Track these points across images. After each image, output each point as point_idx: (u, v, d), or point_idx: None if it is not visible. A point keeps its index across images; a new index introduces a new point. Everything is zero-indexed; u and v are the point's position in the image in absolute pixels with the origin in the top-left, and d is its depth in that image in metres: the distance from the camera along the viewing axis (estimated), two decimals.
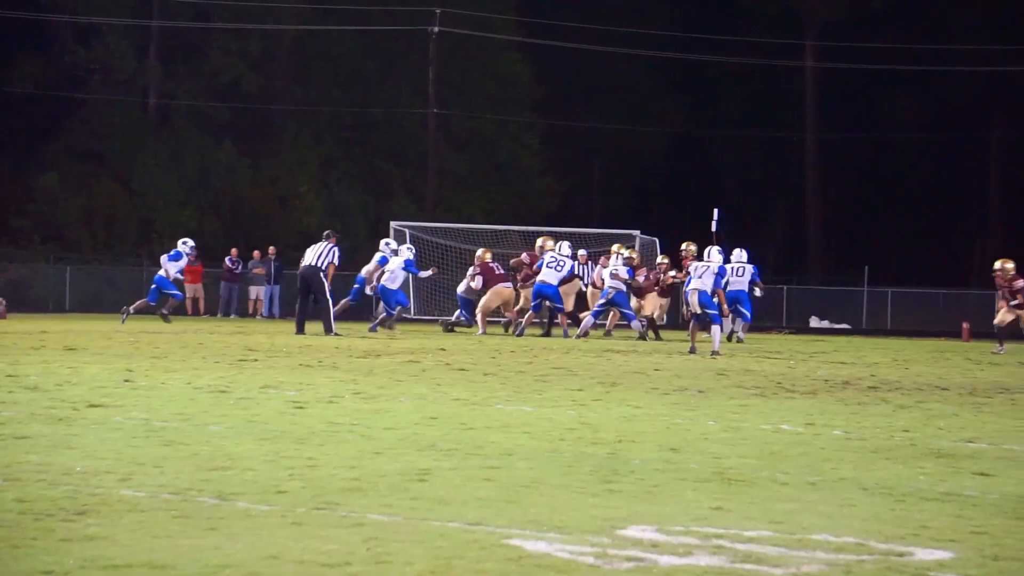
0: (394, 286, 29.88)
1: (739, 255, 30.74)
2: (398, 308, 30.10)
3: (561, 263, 29.75)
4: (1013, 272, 28.07)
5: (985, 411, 14.20)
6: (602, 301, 29.42)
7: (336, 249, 28.03)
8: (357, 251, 48.91)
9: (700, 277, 24.30)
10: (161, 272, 30.78)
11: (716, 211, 31.28)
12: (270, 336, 26.70)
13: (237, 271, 42.14)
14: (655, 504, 8.02)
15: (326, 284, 27.52)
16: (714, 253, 24.89)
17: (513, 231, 42.72)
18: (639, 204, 64.34)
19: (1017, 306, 27.49)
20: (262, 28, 53.30)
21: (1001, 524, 7.63)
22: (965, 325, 36.47)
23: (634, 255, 30.97)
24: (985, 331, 40.38)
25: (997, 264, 28.52)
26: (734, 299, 30.14)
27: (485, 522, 7.30)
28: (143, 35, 54.19)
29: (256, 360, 19.17)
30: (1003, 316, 27.95)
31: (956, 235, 65.59)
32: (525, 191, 58.72)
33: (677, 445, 10.71)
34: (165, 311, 30.91)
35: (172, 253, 31.23)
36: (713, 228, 31.12)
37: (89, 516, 7.16)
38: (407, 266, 30.07)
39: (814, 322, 45.94)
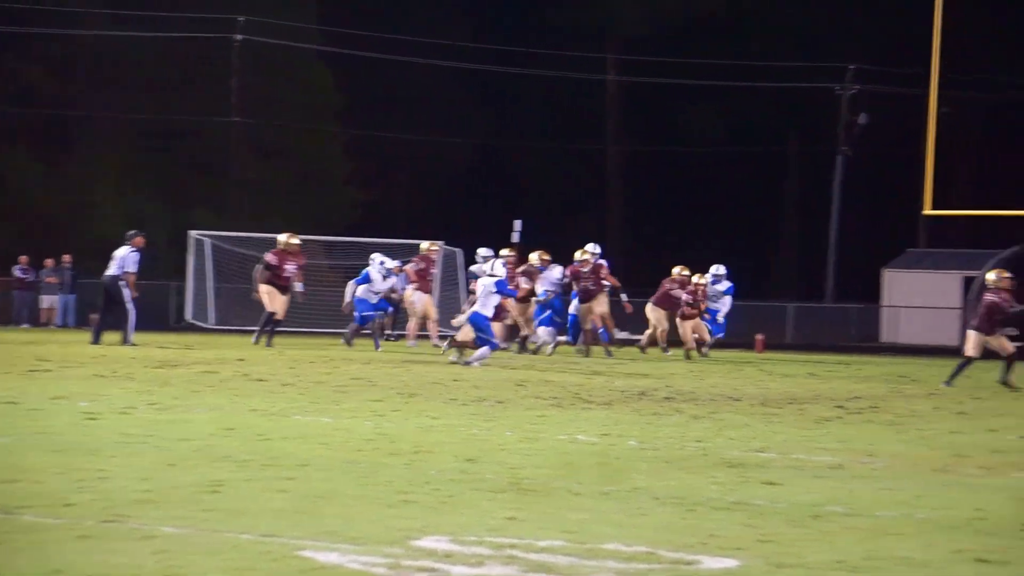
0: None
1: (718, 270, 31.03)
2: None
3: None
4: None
5: (775, 421, 14.49)
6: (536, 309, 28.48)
7: (137, 255, 26.93)
8: (158, 259, 48.18)
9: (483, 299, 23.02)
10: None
11: (517, 222, 31.42)
12: (63, 346, 26.15)
13: (28, 279, 41.23)
14: (450, 514, 8.04)
15: (124, 293, 26.65)
16: (498, 266, 24.34)
17: (317, 241, 42.49)
18: (443, 214, 64.41)
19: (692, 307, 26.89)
20: (59, 32, 52.26)
21: (787, 532, 7.80)
22: (759, 336, 37.16)
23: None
24: (778, 343, 41.21)
25: (676, 269, 28.55)
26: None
27: (278, 533, 7.26)
28: None
29: (48, 370, 18.79)
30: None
31: (754, 247, 66.87)
32: (329, 201, 58.44)
33: (474, 455, 10.75)
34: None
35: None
36: (514, 239, 31.27)
37: None
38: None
39: (616, 333, 46.38)
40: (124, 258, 26.79)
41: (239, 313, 39.10)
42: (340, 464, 10.05)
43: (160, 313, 37.00)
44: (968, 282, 40.69)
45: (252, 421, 12.83)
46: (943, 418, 15.45)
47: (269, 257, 27.66)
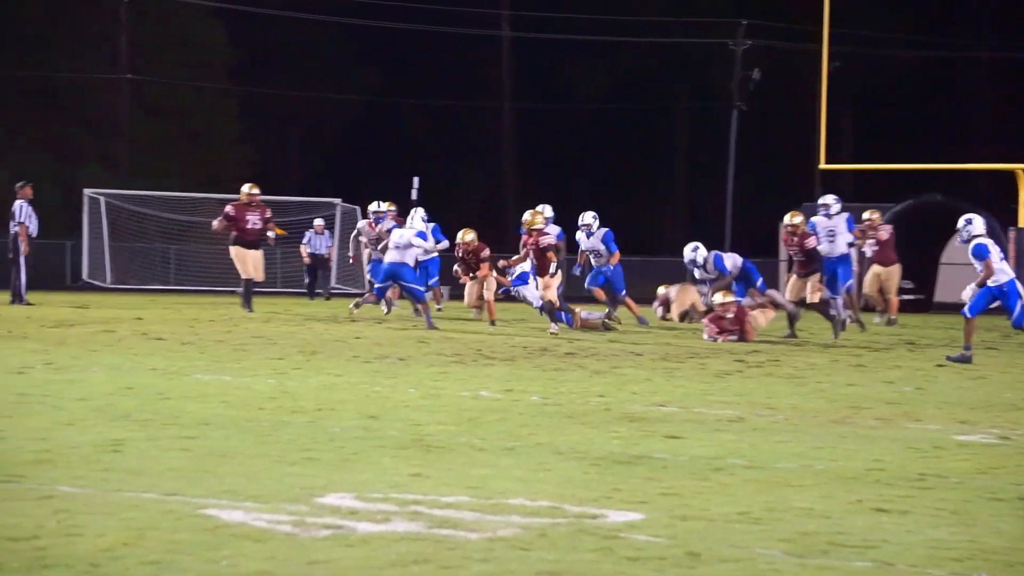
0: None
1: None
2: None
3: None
4: (804, 229, 21.61)
5: (676, 376, 14.57)
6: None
7: (25, 207, 26.22)
8: (49, 219, 47.54)
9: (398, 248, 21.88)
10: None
11: (415, 179, 31.37)
12: None
13: None
14: (353, 472, 8.02)
15: (21, 246, 26.06)
16: (417, 219, 23.78)
17: (211, 199, 42.15)
18: (338, 172, 64.13)
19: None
20: None
21: (689, 485, 7.85)
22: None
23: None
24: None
25: (787, 218, 21.66)
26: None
27: (180, 492, 7.20)
28: None
29: None
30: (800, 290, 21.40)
31: (647, 203, 67.27)
32: (222, 159, 57.94)
33: (376, 413, 10.72)
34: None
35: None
36: (413, 196, 31.23)
37: None
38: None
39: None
40: (19, 209, 26.29)
41: (136, 272, 38.77)
42: (241, 422, 9.99)
43: (56, 272, 36.48)
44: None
45: (151, 380, 12.71)
46: (840, 371, 15.61)
47: (228, 209, 24.87)
